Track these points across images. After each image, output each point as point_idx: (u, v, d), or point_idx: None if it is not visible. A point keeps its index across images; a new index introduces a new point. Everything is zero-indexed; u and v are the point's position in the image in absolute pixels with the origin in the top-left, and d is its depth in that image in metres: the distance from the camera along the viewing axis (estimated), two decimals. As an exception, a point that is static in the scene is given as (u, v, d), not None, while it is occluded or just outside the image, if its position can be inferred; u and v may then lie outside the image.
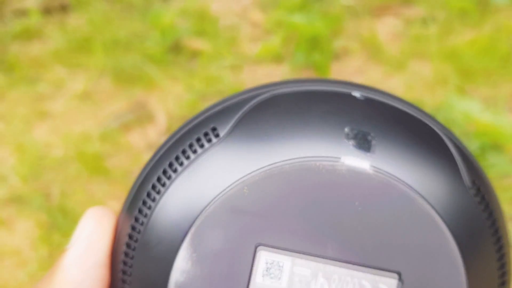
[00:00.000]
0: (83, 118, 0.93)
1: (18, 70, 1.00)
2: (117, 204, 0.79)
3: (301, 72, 0.97)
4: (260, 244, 0.19)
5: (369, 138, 0.20)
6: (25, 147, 0.89)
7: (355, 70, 0.97)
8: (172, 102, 0.94)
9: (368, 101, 0.21)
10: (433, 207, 0.19)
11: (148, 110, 0.93)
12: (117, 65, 0.98)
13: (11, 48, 1.03)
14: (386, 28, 1.03)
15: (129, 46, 1.01)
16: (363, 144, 0.20)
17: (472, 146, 0.83)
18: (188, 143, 0.21)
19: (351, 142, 0.20)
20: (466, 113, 0.86)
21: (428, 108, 0.89)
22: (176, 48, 1.01)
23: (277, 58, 1.00)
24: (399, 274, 0.19)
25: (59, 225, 0.80)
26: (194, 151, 0.20)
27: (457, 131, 0.85)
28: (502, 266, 0.21)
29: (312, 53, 0.99)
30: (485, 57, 0.95)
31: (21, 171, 0.86)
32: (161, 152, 0.21)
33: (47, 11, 1.08)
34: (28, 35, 1.05)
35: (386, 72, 0.96)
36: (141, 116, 0.93)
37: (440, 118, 0.86)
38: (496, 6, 1.03)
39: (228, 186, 0.19)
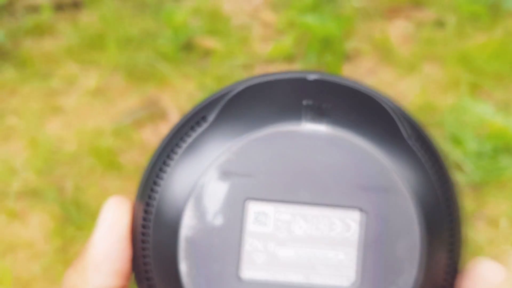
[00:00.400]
0: (96, 113, 0.93)
1: (30, 65, 1.00)
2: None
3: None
4: (248, 198, 0.24)
5: (323, 106, 0.25)
6: (38, 141, 0.90)
7: (366, 72, 0.98)
8: (184, 100, 0.94)
9: (320, 81, 0.26)
10: (380, 154, 0.24)
11: (160, 107, 0.94)
12: (130, 62, 0.99)
13: (23, 43, 1.04)
14: (397, 31, 1.04)
15: (141, 44, 1.02)
16: (319, 111, 0.25)
17: (484, 148, 0.83)
18: (185, 131, 0.25)
19: (309, 110, 0.25)
20: (479, 116, 0.87)
21: (440, 111, 0.90)
22: (188, 47, 1.02)
23: (289, 58, 1.00)
24: (360, 209, 0.24)
25: (73, 219, 0.80)
26: (190, 136, 0.25)
27: (470, 134, 0.85)
28: (448, 198, 0.25)
29: (324, 54, 0.99)
30: (496, 61, 0.96)
31: (35, 165, 0.87)
32: (165, 142, 0.26)
33: (59, 7, 1.09)
34: (40, 31, 1.05)
35: (398, 74, 0.97)
36: (154, 113, 0.93)
37: (453, 120, 0.87)
38: (507, 10, 1.04)
39: (218, 156, 0.24)
